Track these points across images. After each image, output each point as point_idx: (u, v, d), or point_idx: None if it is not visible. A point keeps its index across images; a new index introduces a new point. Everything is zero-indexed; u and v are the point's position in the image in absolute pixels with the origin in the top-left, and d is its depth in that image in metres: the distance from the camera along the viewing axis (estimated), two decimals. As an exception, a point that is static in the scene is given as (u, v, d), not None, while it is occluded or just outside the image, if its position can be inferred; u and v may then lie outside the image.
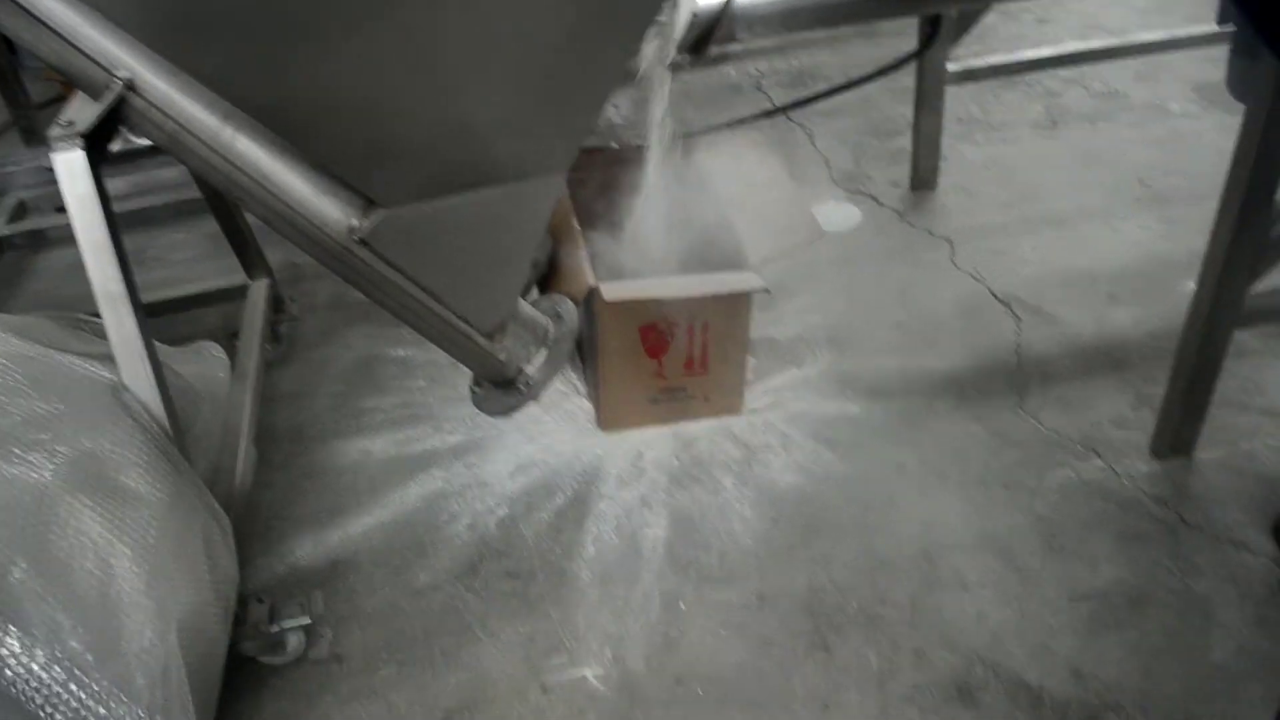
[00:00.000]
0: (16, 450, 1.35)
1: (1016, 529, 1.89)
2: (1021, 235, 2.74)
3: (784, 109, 3.29)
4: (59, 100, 2.90)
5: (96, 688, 1.25)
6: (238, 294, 2.27)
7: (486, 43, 1.35)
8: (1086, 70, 3.46)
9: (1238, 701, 1.58)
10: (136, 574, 1.36)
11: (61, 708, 1.22)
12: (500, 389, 1.97)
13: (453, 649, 1.69)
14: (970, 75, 2.90)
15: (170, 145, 1.39)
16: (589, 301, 2.02)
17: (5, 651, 1.19)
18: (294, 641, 1.66)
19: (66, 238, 1.47)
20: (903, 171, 2.96)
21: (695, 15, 1.93)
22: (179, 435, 1.60)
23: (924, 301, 2.52)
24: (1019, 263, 2.63)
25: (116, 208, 1.52)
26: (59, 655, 1.23)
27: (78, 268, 1.46)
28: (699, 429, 2.14)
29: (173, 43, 1.33)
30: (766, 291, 2.04)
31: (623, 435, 2.12)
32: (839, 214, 2.87)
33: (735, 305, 2.06)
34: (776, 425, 2.15)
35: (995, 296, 2.51)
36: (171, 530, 1.46)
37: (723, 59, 3.74)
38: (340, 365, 2.33)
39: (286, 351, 2.35)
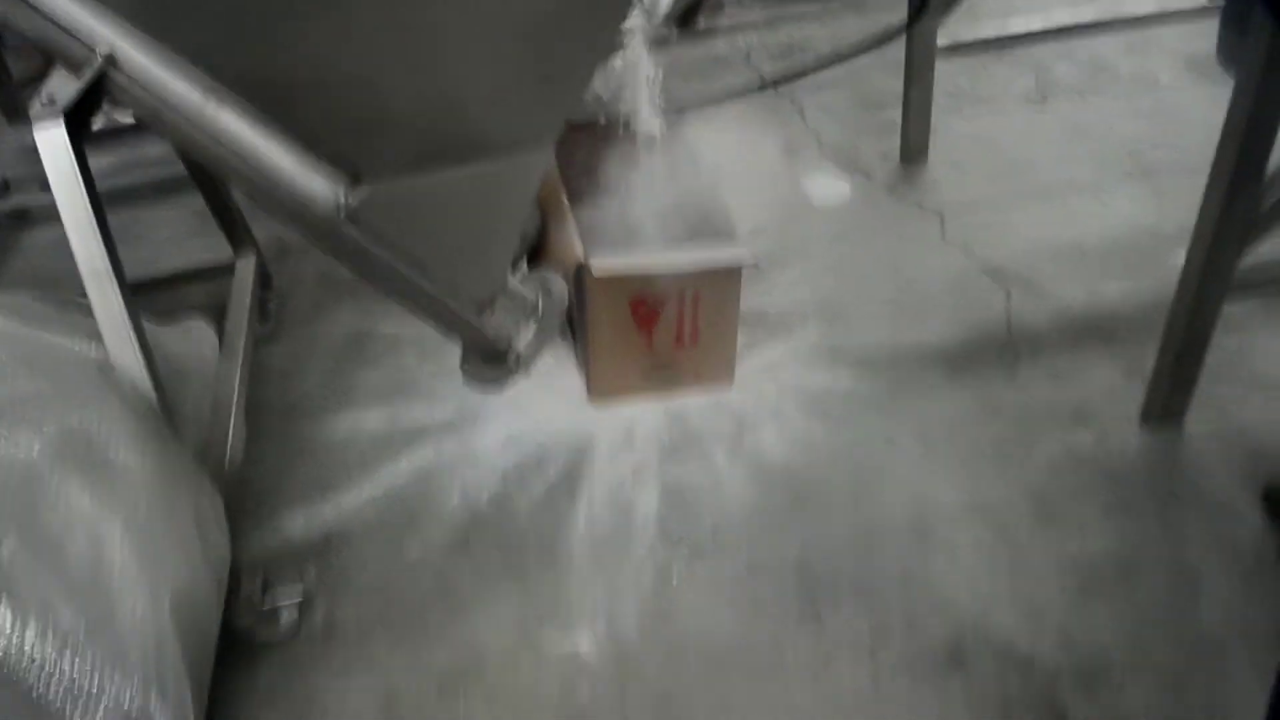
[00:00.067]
0: (4, 428, 1.34)
1: (1007, 499, 1.90)
2: (1011, 208, 2.74)
3: (773, 83, 3.28)
4: (42, 78, 2.87)
5: (90, 661, 1.24)
6: (225, 270, 2.26)
7: (472, 15, 1.34)
8: (1076, 43, 3.45)
9: (1225, 667, 1.60)
10: (127, 548, 1.36)
11: (55, 681, 1.22)
12: (490, 363, 1.97)
13: (446, 620, 1.69)
14: (960, 48, 2.89)
15: (153, 120, 1.38)
16: (578, 275, 2.01)
17: (-3, 625, 1.19)
18: (287, 614, 1.66)
19: (52, 215, 1.46)
20: (892, 145, 2.95)
21: (683, -14, 1.92)
22: (167, 411, 1.60)
23: (914, 275, 2.52)
24: (1009, 236, 2.63)
25: (101, 185, 1.51)
26: (51, 629, 1.23)
27: (63, 245, 1.45)
28: (690, 402, 2.14)
29: (153, 16, 1.32)
30: (756, 265, 2.03)
31: (613, 408, 2.12)
32: (829, 187, 2.87)
33: (725, 279, 2.06)
34: (767, 398, 2.15)
35: (985, 270, 2.51)
36: (162, 505, 1.45)
37: (711, 32, 3.72)
38: (330, 341, 2.32)
39: (275, 328, 2.34)
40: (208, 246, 2.42)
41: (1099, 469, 1.96)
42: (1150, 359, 2.02)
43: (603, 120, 2.27)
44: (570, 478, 1.96)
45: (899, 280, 2.50)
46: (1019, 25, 3.05)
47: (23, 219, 2.84)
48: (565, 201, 2.12)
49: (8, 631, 1.20)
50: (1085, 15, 3.08)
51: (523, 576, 1.77)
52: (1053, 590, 1.73)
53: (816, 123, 3.15)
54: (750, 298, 2.18)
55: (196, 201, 2.26)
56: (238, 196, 2.24)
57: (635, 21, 2.12)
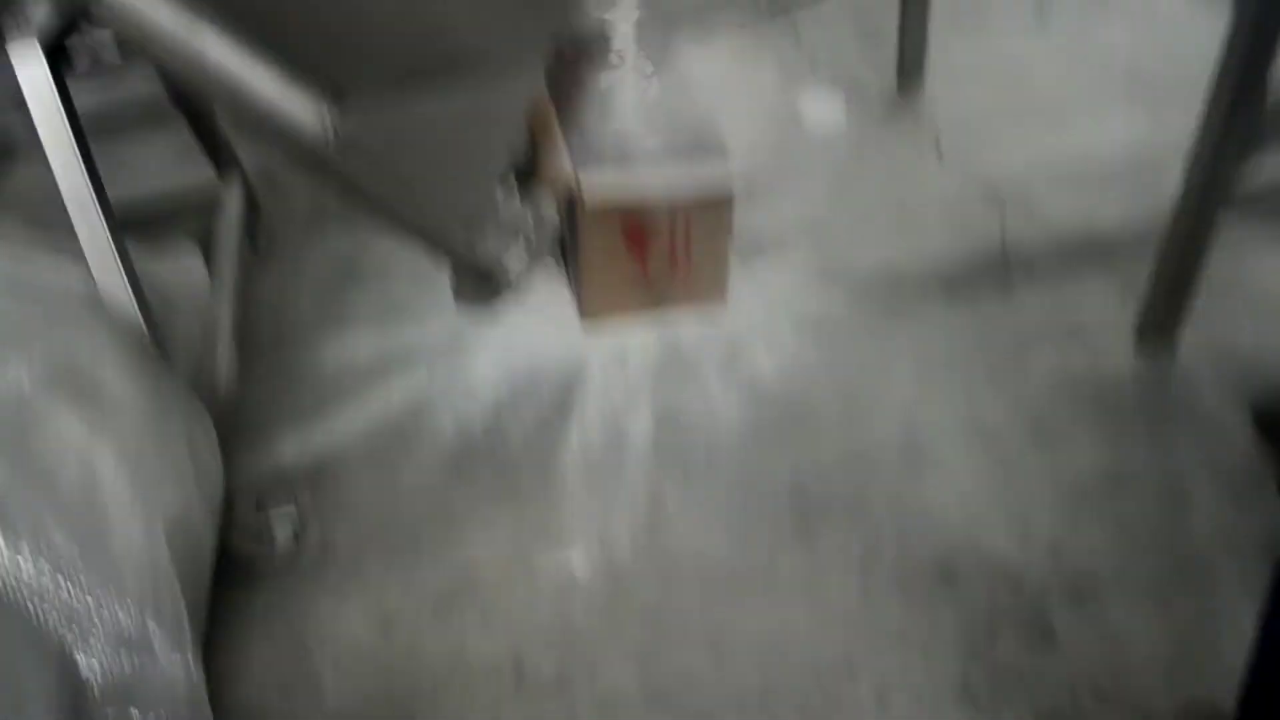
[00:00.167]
0: (-8, 358, 1.34)
1: (1000, 417, 1.90)
2: (1009, 127, 2.70)
3: (769, 7, 3.22)
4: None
5: (85, 586, 1.25)
6: (212, 200, 2.24)
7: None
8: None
9: (1213, 579, 1.61)
10: (120, 474, 1.36)
11: (50, 604, 1.23)
12: (481, 287, 1.96)
13: (440, 542, 1.70)
14: (957, -36, 2.83)
15: (137, 44, 1.36)
16: (569, 198, 2.00)
17: (-10, 549, 1.20)
18: (282, 538, 1.67)
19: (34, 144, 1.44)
20: (889, 68, 2.90)
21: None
22: (157, 340, 1.59)
23: (909, 196, 2.50)
24: (1005, 157, 2.60)
25: (83, 114, 1.49)
26: (45, 555, 1.23)
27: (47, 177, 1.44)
28: (683, 324, 2.13)
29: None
30: (749, 187, 2.02)
31: (606, 332, 2.12)
32: (823, 109, 2.83)
33: (718, 200, 2.04)
34: (761, 319, 2.14)
35: (981, 191, 2.49)
36: (153, 431, 1.45)
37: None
38: (320, 267, 2.31)
39: (265, 256, 2.33)
40: (195, 176, 2.39)
41: (1092, 388, 1.96)
42: (1145, 279, 2.01)
43: (595, 42, 2.24)
44: (563, 401, 1.96)
45: (894, 202, 2.48)
46: (1019, -58, 2.99)
47: (8, 153, 2.80)
48: (556, 124, 2.10)
49: (2, 559, 1.21)
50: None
51: (516, 499, 1.78)
52: (1043, 508, 1.74)
53: (812, 47, 3.09)
54: (744, 220, 2.17)
55: (181, 131, 2.23)
56: (224, 125, 2.22)
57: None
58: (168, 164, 2.59)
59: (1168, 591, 1.60)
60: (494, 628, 1.57)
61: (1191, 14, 3.15)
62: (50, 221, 1.56)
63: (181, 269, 1.97)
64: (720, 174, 2.03)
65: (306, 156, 1.45)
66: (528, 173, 2.16)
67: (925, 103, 2.82)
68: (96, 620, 1.25)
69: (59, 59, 1.43)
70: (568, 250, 2.21)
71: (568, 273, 2.24)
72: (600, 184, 1.97)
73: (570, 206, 2.02)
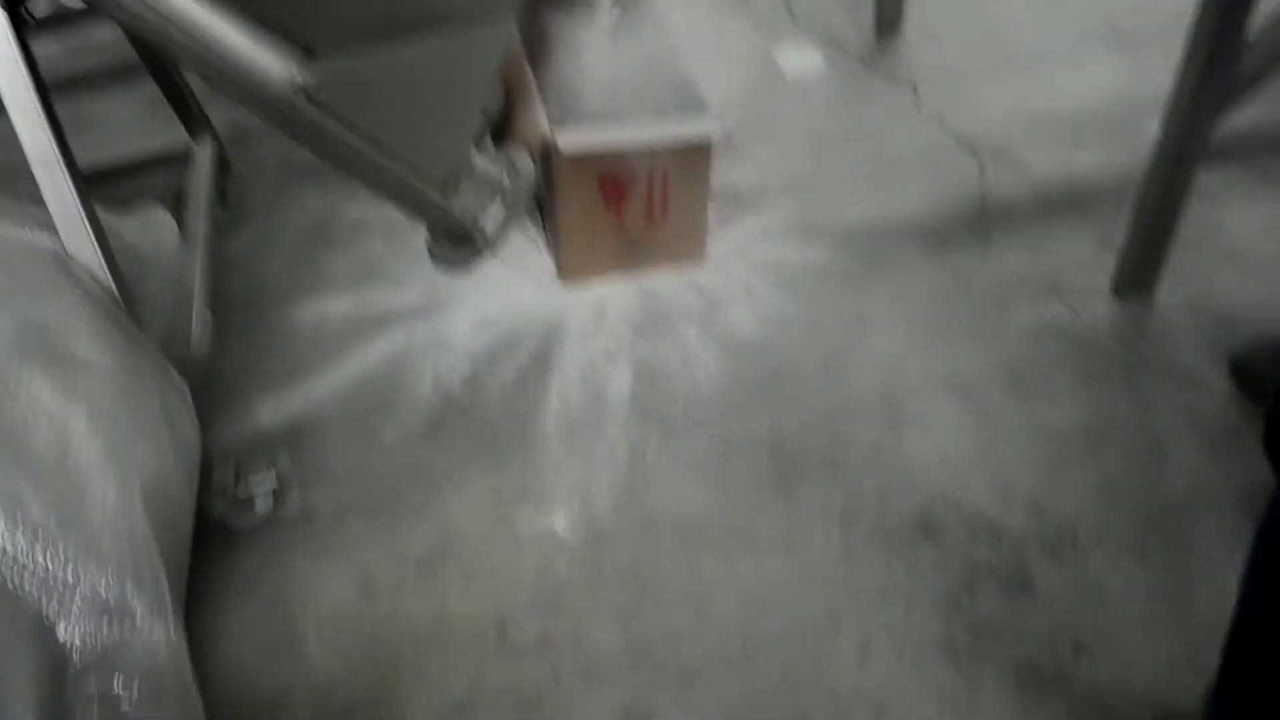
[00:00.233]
0: (-42, 321, 1.32)
1: (979, 371, 1.91)
2: (987, 79, 2.69)
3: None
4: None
5: (63, 552, 1.24)
6: (182, 158, 2.19)
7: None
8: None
9: (1190, 531, 1.63)
10: (94, 440, 1.34)
11: (29, 573, 1.21)
12: (457, 244, 1.94)
13: (421, 504, 1.69)
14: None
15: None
16: (545, 153, 1.97)
17: (-36, 519, 1.18)
18: (262, 502, 1.66)
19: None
20: (867, 17, 2.88)
21: None
22: (128, 300, 1.57)
23: (888, 147, 2.49)
24: (984, 107, 2.59)
25: (46, 72, 1.46)
26: (21, 522, 1.22)
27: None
28: (661, 280, 2.12)
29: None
30: (727, 139, 2.00)
31: (584, 288, 2.10)
32: (801, 60, 2.80)
33: (696, 153, 2.02)
34: (739, 274, 2.13)
35: (959, 141, 2.48)
36: (127, 396, 1.44)
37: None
38: (293, 226, 2.28)
39: (236, 214, 2.29)
40: (163, 134, 2.35)
41: (1070, 340, 1.96)
42: (1123, 230, 2.01)
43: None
44: (542, 359, 1.95)
45: (872, 153, 2.47)
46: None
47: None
48: (530, 77, 2.06)
49: (-23, 525, 1.20)
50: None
51: (496, 458, 1.77)
52: (1022, 460, 1.75)
53: (789, -3, 3.06)
54: (721, 173, 2.15)
55: (150, 88, 2.19)
56: (192, 81, 2.17)
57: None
58: (135, 121, 2.55)
59: (1146, 544, 1.61)
60: (476, 588, 1.57)
61: (1170, -38, 3.13)
62: (14, 182, 1.53)
63: (151, 229, 1.93)
64: (698, 125, 2.01)
65: (277, 112, 1.42)
66: (502, 128, 2.13)
67: (903, 54, 2.80)
68: (75, 588, 1.24)
69: (18, 9, 1.39)
70: (545, 207, 2.19)
71: (545, 230, 2.22)
72: (576, 137, 1.95)
73: (546, 161, 2.00)
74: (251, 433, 1.81)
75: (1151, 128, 1.87)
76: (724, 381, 1.91)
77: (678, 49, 2.15)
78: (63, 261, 1.52)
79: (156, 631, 1.29)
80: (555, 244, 2.13)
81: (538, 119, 1.98)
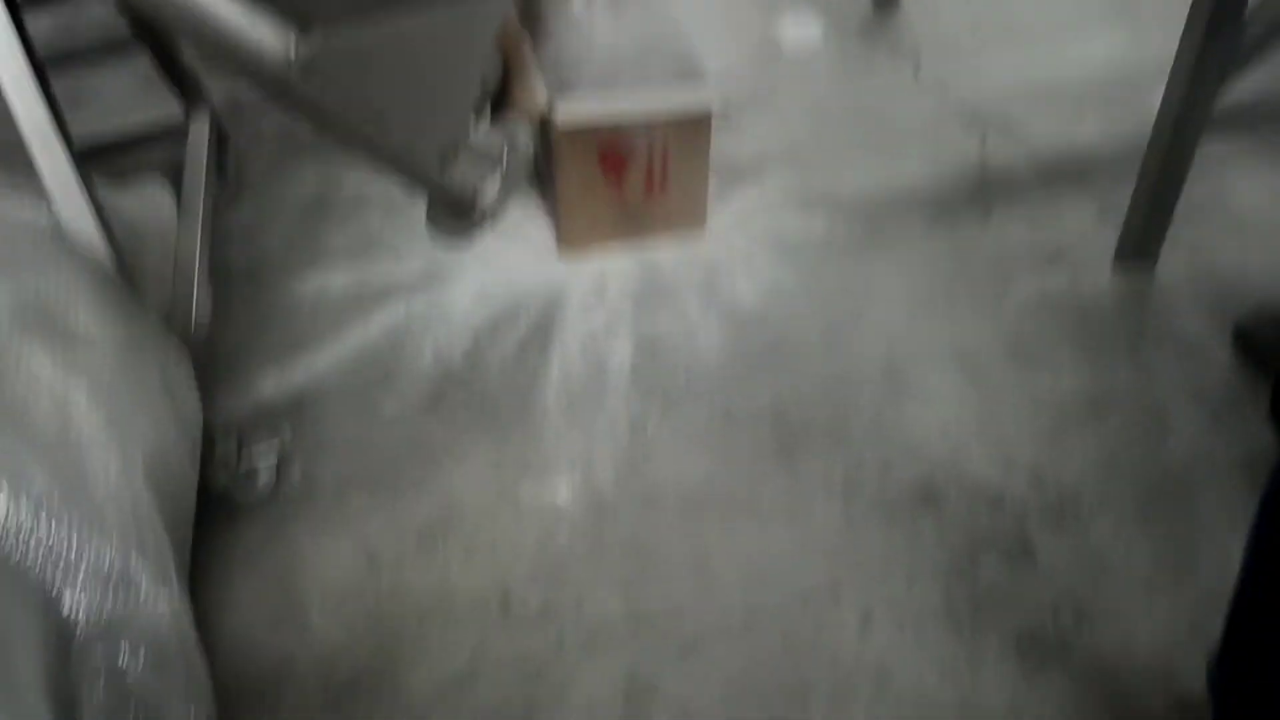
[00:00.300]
0: (-44, 297, 1.31)
1: (980, 341, 1.90)
2: (987, 49, 2.68)
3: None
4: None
5: (67, 525, 1.24)
6: (179, 131, 2.18)
7: None
8: None
9: (1191, 498, 1.63)
10: (95, 413, 1.34)
11: (33, 546, 1.21)
12: (456, 217, 1.93)
13: (422, 476, 1.70)
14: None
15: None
16: (544, 125, 1.96)
17: (-33, 491, 1.18)
18: (264, 474, 1.66)
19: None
20: (866, -15, 2.87)
21: None
22: (126, 274, 1.56)
23: (888, 118, 2.48)
24: (984, 77, 2.58)
25: (40, 47, 1.45)
26: (25, 494, 1.22)
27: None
28: (662, 251, 2.12)
29: None
30: (726, 109, 1.99)
31: (584, 260, 2.10)
32: (800, 31, 2.79)
33: (695, 124, 2.01)
34: (740, 245, 2.13)
35: (960, 112, 2.47)
36: (127, 368, 1.43)
37: None
38: (292, 200, 2.27)
39: (235, 188, 2.28)
40: (161, 107, 2.33)
41: (1072, 311, 1.96)
42: (1125, 200, 2.00)
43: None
44: (542, 331, 1.95)
45: (873, 124, 2.46)
46: None
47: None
48: (528, 48, 2.05)
49: (-20, 497, 1.20)
50: None
51: (497, 430, 1.77)
52: (1024, 430, 1.75)
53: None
54: (721, 144, 2.14)
55: (144, 62, 2.17)
56: (189, 54, 2.15)
57: None
58: (131, 95, 2.53)
59: (1148, 513, 1.61)
60: (478, 560, 1.57)
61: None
62: (10, 157, 1.52)
63: (149, 202, 1.92)
64: (697, 96, 2.00)
65: (274, 84, 1.41)
66: (500, 99, 2.12)
67: (903, 23, 2.79)
68: (80, 560, 1.24)
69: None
70: (544, 178, 2.18)
71: (544, 201, 2.22)
72: (574, 109, 1.94)
73: (544, 133, 1.99)
74: (253, 406, 1.81)
75: (1154, 98, 1.86)
76: (725, 353, 1.90)
77: (676, 20, 2.14)
78: (60, 236, 1.51)
79: (161, 602, 1.29)
80: (555, 216, 2.12)
81: (536, 90, 1.97)
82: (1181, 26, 1.77)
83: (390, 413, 1.80)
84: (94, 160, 1.67)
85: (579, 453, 1.73)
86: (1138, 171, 1.95)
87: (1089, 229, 2.13)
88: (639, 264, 2.09)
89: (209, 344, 1.77)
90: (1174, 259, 2.02)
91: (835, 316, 1.97)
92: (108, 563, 1.26)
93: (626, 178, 2.03)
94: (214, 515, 1.61)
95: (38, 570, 1.21)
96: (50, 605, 1.20)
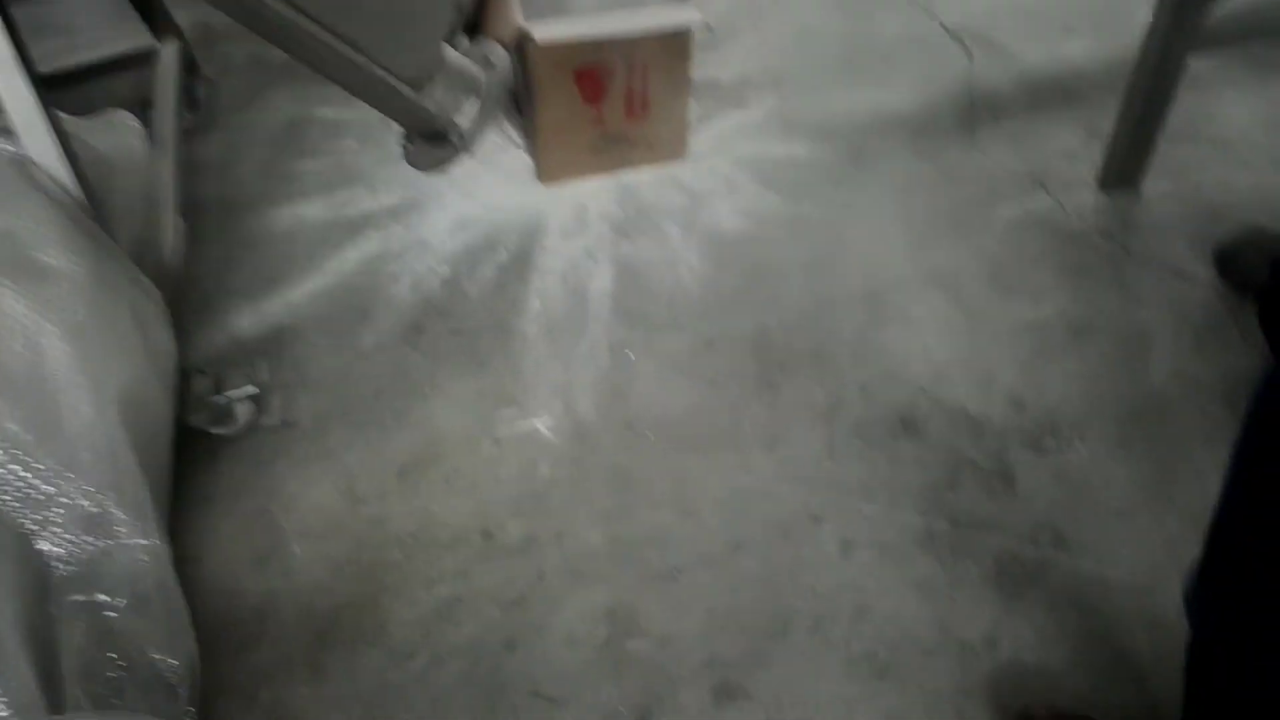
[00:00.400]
0: (-81, 233, 1.29)
1: (963, 265, 1.89)
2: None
3: None
4: None
5: (41, 466, 1.23)
6: (146, 59, 2.13)
7: None
8: None
9: (1171, 422, 1.63)
10: (67, 352, 1.32)
11: (7, 488, 1.21)
12: (432, 143, 1.91)
13: (403, 408, 1.69)
14: None
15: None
16: (520, 46, 1.92)
17: (-62, 435, 1.17)
18: (243, 411, 1.65)
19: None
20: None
21: None
22: (95, 205, 1.54)
23: (873, 37, 2.43)
24: (971, -5, 2.52)
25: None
26: (-1, 438, 1.21)
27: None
28: (642, 177, 2.09)
29: None
30: (707, 27, 1.94)
31: (564, 187, 2.07)
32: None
33: (675, 44, 1.96)
34: (722, 170, 2.10)
35: (946, 30, 2.42)
36: (99, 306, 1.41)
37: None
38: (265, 129, 2.22)
39: (206, 117, 2.23)
40: (127, 36, 2.26)
41: (1056, 233, 1.94)
42: (1111, 119, 1.97)
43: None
44: (522, 260, 1.93)
45: (857, 43, 2.41)
46: None
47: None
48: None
49: (-47, 441, 1.18)
50: None
51: (478, 360, 1.76)
52: (1005, 355, 1.74)
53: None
54: (702, 67, 2.10)
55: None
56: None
57: None
58: (97, 23, 2.46)
59: (1128, 436, 1.62)
60: (459, 491, 1.57)
61: None
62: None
63: (118, 135, 1.88)
64: (677, 14, 1.95)
65: (243, 8, 1.37)
66: (476, 21, 2.07)
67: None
68: (55, 500, 1.24)
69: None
70: (522, 104, 2.14)
71: (523, 127, 2.18)
72: (551, 30, 1.89)
73: (522, 55, 1.94)
74: (230, 341, 1.79)
75: (1142, 13, 1.82)
76: (707, 279, 1.89)
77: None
78: (26, 168, 1.48)
79: (139, 543, 1.29)
80: (533, 142, 2.08)
81: (512, 10, 1.92)
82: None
83: (369, 345, 1.79)
84: (60, 92, 1.63)
85: (560, 382, 1.72)
86: (1124, 91, 1.92)
87: (1076, 149, 2.10)
88: (619, 190, 2.06)
89: (183, 278, 1.75)
90: (1160, 180, 2.00)
91: (818, 241, 1.95)
92: (84, 503, 1.26)
93: (606, 101, 1.99)
94: (192, 454, 1.60)
95: (14, 519, 1.21)
96: (26, 546, 1.20)
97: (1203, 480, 1.52)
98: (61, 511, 1.24)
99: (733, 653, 1.38)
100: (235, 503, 1.57)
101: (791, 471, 1.59)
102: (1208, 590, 1.19)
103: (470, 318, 1.83)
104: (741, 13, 2.47)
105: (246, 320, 1.83)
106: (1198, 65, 1.88)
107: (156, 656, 1.26)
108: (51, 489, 1.24)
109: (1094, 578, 1.44)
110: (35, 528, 1.22)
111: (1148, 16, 1.81)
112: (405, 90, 1.68)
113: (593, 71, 1.94)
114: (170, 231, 1.75)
